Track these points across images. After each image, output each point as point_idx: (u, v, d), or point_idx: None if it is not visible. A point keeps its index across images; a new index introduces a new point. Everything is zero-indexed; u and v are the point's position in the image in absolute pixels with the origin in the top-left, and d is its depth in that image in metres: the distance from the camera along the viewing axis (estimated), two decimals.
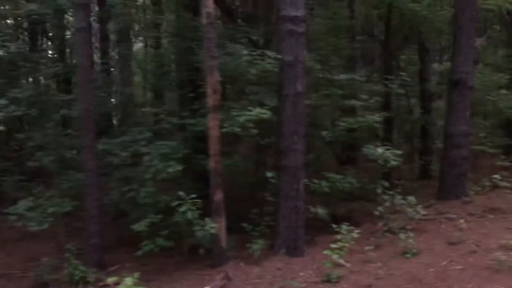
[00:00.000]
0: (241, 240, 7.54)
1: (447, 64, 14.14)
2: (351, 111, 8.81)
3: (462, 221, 8.84)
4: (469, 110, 10.15)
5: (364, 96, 8.63)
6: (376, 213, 8.17)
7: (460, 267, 6.93)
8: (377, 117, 8.03)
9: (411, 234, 7.58)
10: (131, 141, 7.47)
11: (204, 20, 5.87)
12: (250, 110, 6.47)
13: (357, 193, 9.60)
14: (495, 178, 9.77)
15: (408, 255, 7.37)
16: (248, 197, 9.03)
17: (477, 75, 12.28)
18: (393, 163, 8.80)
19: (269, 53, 7.09)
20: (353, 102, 8.39)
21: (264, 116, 6.54)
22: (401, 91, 10.19)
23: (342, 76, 8.57)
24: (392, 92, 11.94)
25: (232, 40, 8.02)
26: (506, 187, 9.91)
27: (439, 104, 14.06)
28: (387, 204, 8.32)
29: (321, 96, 8.58)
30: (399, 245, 7.55)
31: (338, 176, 8.08)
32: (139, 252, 6.88)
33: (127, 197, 7.22)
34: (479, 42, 10.99)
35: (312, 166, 8.29)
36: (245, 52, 7.07)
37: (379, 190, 8.42)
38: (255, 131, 6.68)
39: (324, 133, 8.08)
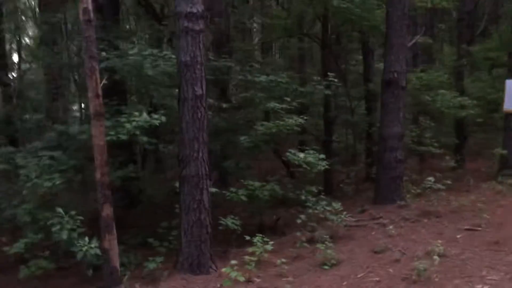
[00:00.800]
0: (149, 256, 6.99)
1: None
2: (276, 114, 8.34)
3: (391, 227, 8.50)
4: (403, 111, 9.82)
5: (287, 98, 8.18)
6: (298, 221, 7.71)
7: (377, 278, 6.53)
8: (297, 120, 7.57)
9: (330, 244, 7.13)
10: (10, 152, 6.84)
11: (81, 17, 5.32)
12: (140, 116, 5.92)
13: (289, 200, 9.13)
14: (429, 180, 9.41)
15: (326, 267, 6.94)
16: (160, 209, 8.50)
17: (419, 74, 12.06)
18: (320, 167, 8.38)
19: (167, 52, 6.57)
20: (272, 105, 7.91)
21: (156, 122, 6.01)
22: (328, 92, 9.78)
23: (263, 78, 8.11)
24: (333, 94, 11.54)
25: (126, 38, 7.45)
26: (440, 189, 9.57)
27: None
28: (310, 211, 7.87)
29: (241, 99, 8.10)
30: (319, 256, 7.10)
31: (258, 184, 7.59)
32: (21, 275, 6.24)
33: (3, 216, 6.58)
34: (415, 40, 10.68)
35: (233, 173, 7.80)
36: (139, 51, 6.50)
37: (302, 197, 7.96)
38: (144, 139, 6.14)
39: (242, 138, 7.59)
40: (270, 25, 10.55)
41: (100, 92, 5.49)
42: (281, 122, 7.57)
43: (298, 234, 7.42)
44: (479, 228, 8.70)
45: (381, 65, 13.90)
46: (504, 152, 13.51)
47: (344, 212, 8.15)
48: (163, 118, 6.19)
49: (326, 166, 8.54)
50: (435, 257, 6.67)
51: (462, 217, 9.57)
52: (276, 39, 10.35)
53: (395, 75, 9.60)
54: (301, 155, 7.64)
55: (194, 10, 6.01)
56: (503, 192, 11.99)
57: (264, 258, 6.71)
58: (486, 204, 10.77)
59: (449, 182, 12.84)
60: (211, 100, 7.11)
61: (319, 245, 6.99)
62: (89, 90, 5.44)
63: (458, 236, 8.30)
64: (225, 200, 7.71)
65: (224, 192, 7.48)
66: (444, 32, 15.81)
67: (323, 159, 8.09)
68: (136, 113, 6.02)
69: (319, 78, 10.04)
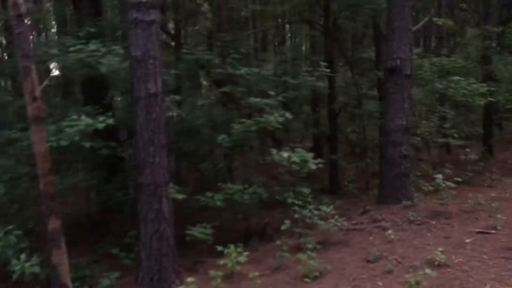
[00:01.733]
0: (114, 269, 6.48)
1: None
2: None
3: (390, 231, 7.70)
4: (408, 102, 8.90)
5: (271, 93, 7.46)
6: (283, 227, 7.02)
7: None
8: (279, 116, 6.86)
9: (314, 254, 6.41)
10: None
11: (12, 12, 4.81)
12: (78, 120, 5.35)
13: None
14: (438, 178, 8.51)
15: (307, 279, 6.25)
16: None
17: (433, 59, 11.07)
18: (312, 166, 7.66)
19: (115, 47, 5.97)
20: (253, 100, 7.21)
21: (99, 125, 5.43)
22: (321, 84, 8.96)
23: (243, 71, 7.40)
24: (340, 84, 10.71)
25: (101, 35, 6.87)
26: (450, 188, 8.65)
27: None
28: (296, 215, 7.18)
29: (220, 94, 7.45)
30: (300, 267, 6.40)
31: (236, 187, 6.94)
32: None
33: None
34: (422, 23, 9.71)
35: (211, 176, 7.18)
36: (82, 46, 5.91)
37: (289, 200, 7.26)
38: (87, 144, 5.57)
39: (220, 137, 6.94)
40: (266, 11, 9.80)
41: (38, 94, 4.97)
42: (262, 119, 6.89)
43: (278, 243, 6.73)
44: (493, 231, 7.80)
45: None
46: None
47: (336, 216, 7.39)
48: (110, 121, 5.62)
49: (319, 165, 7.78)
50: (428, 270, 5.88)
51: (476, 218, 8.64)
52: (273, 27, 9.61)
53: (398, 62, 8.69)
54: (285, 154, 6.93)
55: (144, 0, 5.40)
56: None
57: (237, 270, 6.07)
58: (507, 202, 9.81)
59: (470, 174, 11.91)
60: (177, 97, 6.49)
61: (300, 255, 6.28)
62: (24, 93, 4.92)
63: (467, 241, 7.43)
64: (208, 206, 7.11)
65: (199, 197, 6.88)
66: (467, 13, 14.58)
67: (313, 158, 7.32)
68: (74, 117, 5.47)
69: (309, 69, 9.22)
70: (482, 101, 10.72)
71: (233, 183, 7.08)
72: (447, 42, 18.27)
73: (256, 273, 5.96)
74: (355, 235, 8.08)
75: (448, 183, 8.65)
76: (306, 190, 7.52)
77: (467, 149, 12.05)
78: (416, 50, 11.74)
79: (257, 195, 7.14)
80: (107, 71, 5.91)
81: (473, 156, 11.81)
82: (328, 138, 11.39)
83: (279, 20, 11.12)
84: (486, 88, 10.51)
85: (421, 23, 10.05)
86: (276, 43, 16.40)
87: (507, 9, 17.75)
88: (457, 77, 10.29)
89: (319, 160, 7.96)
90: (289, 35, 16.84)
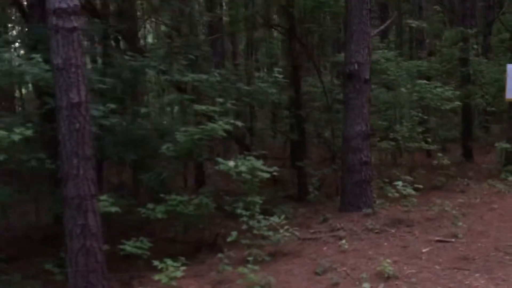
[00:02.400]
0: (49, 285, 6.25)
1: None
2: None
3: (344, 241, 7.46)
4: (367, 107, 8.68)
5: (219, 99, 7.22)
6: (229, 239, 6.77)
7: None
8: (221, 125, 6.62)
9: (255, 267, 6.15)
10: None
11: None
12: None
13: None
14: (397, 185, 8.26)
15: None
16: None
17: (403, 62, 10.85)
18: (264, 175, 7.42)
19: (35, 55, 5.74)
20: (197, 107, 6.96)
21: (15, 138, 5.19)
22: (273, 90, 8.73)
23: (189, 77, 7.17)
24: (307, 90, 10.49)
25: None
26: (411, 195, 8.40)
27: None
28: (244, 227, 6.93)
29: (167, 102, 7.21)
30: (240, 282, 6.15)
31: (180, 198, 6.69)
32: None
33: None
34: (383, 26, 9.49)
35: (156, 187, 6.94)
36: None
37: (238, 210, 7.02)
38: (1, 156, 5.33)
39: (164, 146, 6.70)
40: (231, 16, 9.59)
41: None
42: (207, 127, 6.65)
43: (220, 256, 6.47)
44: (453, 240, 7.57)
45: None
46: (508, 146, 12.11)
47: (286, 226, 7.14)
48: (28, 132, 5.39)
49: (273, 174, 7.54)
50: (373, 284, 5.65)
51: (439, 225, 8.42)
52: (235, 32, 9.43)
53: (356, 66, 8.47)
54: (231, 163, 6.69)
55: (64, 5, 5.16)
56: (502, 192, 10.69)
57: (173, 286, 5.82)
58: (474, 208, 9.58)
59: (442, 180, 11.64)
60: (112, 106, 6.23)
61: (241, 269, 6.03)
62: None
63: (424, 251, 7.21)
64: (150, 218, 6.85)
65: (139, 209, 6.63)
66: (443, 15, 14.38)
67: (262, 167, 7.07)
68: None
69: (262, 74, 8.98)
70: (449, 106, 10.47)
71: (179, 194, 6.82)
72: (429, 45, 18.09)
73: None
74: (310, 245, 7.84)
75: (409, 190, 8.39)
76: (258, 200, 7.24)
77: (440, 154, 11.82)
78: (391, 54, 11.51)
79: (206, 206, 6.89)
80: (33, 80, 5.70)
81: (446, 161, 11.55)
82: (296, 144, 11.16)
83: (245, 25, 10.91)
84: (452, 92, 10.26)
85: (381, 27, 9.83)
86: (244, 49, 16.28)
87: (492, 12, 17.61)
88: (423, 81, 10.05)
89: (274, 168, 7.69)
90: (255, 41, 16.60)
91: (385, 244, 7.68)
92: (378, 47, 11.37)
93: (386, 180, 9.89)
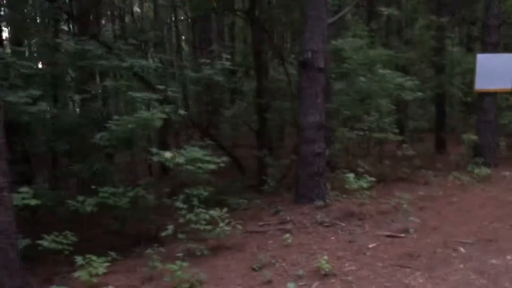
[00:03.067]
0: None
1: None
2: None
3: (288, 235, 7.23)
4: (321, 97, 8.38)
5: (160, 87, 6.89)
6: (164, 233, 6.51)
7: None
8: (158, 112, 6.29)
9: (184, 264, 5.89)
10: None
11: None
12: None
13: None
14: (348, 177, 8.01)
15: None
16: None
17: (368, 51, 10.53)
18: (209, 166, 7.15)
19: None
20: (131, 94, 6.60)
21: None
22: (219, 78, 8.36)
23: (127, 63, 6.80)
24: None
25: None
26: (363, 188, 8.16)
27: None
28: (181, 220, 6.67)
29: (100, 88, 6.86)
30: (168, 279, 5.89)
31: (112, 190, 6.39)
32: None
33: None
34: (341, 14, 9.14)
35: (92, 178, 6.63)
36: None
37: (178, 204, 6.75)
38: None
39: (98, 135, 6.38)
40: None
41: None
42: (142, 116, 6.32)
43: (148, 251, 6.21)
44: (402, 235, 7.34)
45: None
46: (474, 138, 11.89)
47: (226, 221, 6.88)
48: None
49: (220, 165, 7.27)
50: (290, 285, 5.42)
51: (392, 219, 8.20)
52: (195, 16, 9.04)
53: (310, 54, 8.15)
54: (168, 154, 6.38)
55: None
56: (465, 185, 10.47)
57: (94, 283, 5.55)
58: (434, 202, 9.36)
59: (407, 171, 11.40)
60: (35, 92, 5.89)
61: (169, 265, 5.77)
62: None
63: (370, 246, 6.99)
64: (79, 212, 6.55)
65: (69, 202, 6.33)
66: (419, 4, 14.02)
67: (205, 158, 6.79)
68: None
69: (207, 60, 8.61)
70: (411, 96, 10.18)
71: (114, 186, 6.52)
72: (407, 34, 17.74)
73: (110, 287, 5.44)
74: (256, 238, 7.61)
75: (363, 182, 8.14)
76: (202, 191, 6.97)
77: (405, 145, 11.58)
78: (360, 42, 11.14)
79: (142, 198, 6.60)
80: None
81: (410, 152, 11.33)
82: (257, 134, 10.86)
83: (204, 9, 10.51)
84: (413, 82, 9.95)
85: (339, 14, 9.47)
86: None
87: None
88: (386, 71, 9.74)
89: (223, 159, 7.42)
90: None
91: (332, 238, 7.46)
92: (359, 36, 11.06)
93: (346, 171, 9.64)
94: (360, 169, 8.38)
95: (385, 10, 12.80)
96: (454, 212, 8.61)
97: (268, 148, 11.00)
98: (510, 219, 7.83)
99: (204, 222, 6.58)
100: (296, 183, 8.82)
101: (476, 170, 11.08)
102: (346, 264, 6.37)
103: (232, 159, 12.19)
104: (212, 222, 6.83)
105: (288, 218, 8.13)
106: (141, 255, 6.81)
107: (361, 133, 11.48)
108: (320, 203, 8.22)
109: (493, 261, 6.13)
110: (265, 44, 10.98)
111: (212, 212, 6.56)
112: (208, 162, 7.14)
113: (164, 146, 8.34)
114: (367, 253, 6.75)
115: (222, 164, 7.40)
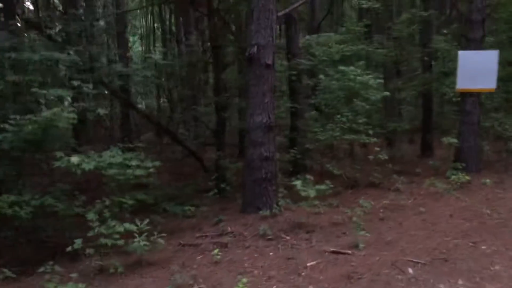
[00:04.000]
0: None
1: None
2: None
3: (216, 251, 6.48)
4: (269, 96, 7.60)
5: (74, 83, 6.17)
6: (68, 249, 5.82)
7: None
8: (60, 113, 5.59)
9: (80, 286, 5.18)
10: None
11: None
12: None
13: None
14: (296, 184, 7.25)
15: None
16: None
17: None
18: (138, 172, 6.44)
19: None
20: (43, 92, 5.88)
21: None
22: (151, 73, 7.57)
23: (38, 56, 6.08)
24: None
25: None
26: (312, 197, 7.39)
27: None
28: (90, 234, 5.96)
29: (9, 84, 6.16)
30: None
31: (11, 198, 5.69)
32: None
33: None
34: (294, 7, 8.31)
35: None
36: None
37: (90, 215, 6.04)
38: None
39: (1, 136, 5.68)
40: None
41: None
42: (46, 115, 5.61)
43: (42, 269, 5.50)
44: (349, 252, 6.55)
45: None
46: (455, 141, 11.00)
47: (145, 234, 6.15)
48: None
49: (149, 170, 6.55)
50: None
51: (344, 232, 7.40)
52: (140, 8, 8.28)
53: (256, 49, 7.37)
54: (75, 159, 5.67)
55: None
56: (439, 193, 9.61)
57: None
58: (398, 212, 8.54)
59: (378, 176, 10.57)
60: None
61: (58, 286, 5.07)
62: None
63: (309, 264, 6.22)
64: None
65: None
66: None
67: (128, 163, 6.07)
68: None
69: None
70: (375, 96, 9.33)
71: (22, 193, 5.84)
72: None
73: None
74: (186, 252, 6.88)
75: (311, 190, 7.37)
76: (126, 200, 6.26)
77: (377, 148, 10.74)
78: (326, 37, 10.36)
79: (51, 207, 5.91)
80: None
81: (383, 156, 10.51)
82: (214, 134, 10.11)
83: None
84: (376, 81, 9.09)
85: (291, 7, 8.62)
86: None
87: None
88: (350, 68, 8.89)
89: (153, 164, 6.71)
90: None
91: (271, 254, 6.70)
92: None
93: (308, 177, 8.86)
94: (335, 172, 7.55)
95: (364, 3, 11.95)
96: (417, 225, 7.79)
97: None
98: (475, 235, 6.98)
99: (117, 236, 5.83)
100: (242, 190, 8.06)
101: (454, 177, 10.20)
102: (274, 287, 5.63)
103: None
104: (129, 235, 6.11)
105: (229, 229, 7.39)
106: (47, 271, 6.09)
107: (335, 133, 10.69)
108: (266, 212, 7.46)
109: (441, 286, 5.34)
110: (224, 37, 10.23)
111: (126, 225, 5.82)
112: (138, 167, 6.40)
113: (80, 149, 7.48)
114: (303, 273, 6.00)
115: (151, 170, 6.66)
